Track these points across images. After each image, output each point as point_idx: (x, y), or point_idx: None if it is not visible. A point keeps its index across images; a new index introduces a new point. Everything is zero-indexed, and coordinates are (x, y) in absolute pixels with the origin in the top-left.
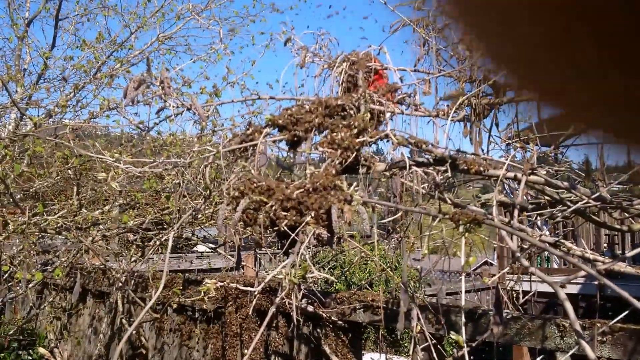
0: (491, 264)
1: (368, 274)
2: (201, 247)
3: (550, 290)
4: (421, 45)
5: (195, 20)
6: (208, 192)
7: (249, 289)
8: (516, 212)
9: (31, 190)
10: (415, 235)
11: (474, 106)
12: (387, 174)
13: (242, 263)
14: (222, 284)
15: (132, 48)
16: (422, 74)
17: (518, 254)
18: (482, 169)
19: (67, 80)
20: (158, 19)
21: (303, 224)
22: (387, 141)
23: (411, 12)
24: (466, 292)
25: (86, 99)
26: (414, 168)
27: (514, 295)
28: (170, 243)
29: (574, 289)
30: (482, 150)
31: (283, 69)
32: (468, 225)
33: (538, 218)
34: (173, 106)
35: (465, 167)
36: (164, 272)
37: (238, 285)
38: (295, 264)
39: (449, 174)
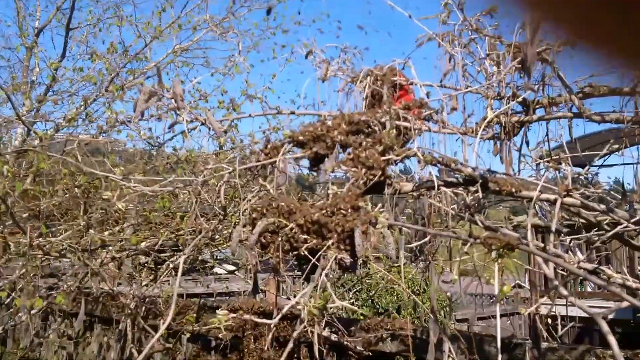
0: (522, 287)
1: (395, 297)
2: (220, 269)
3: (585, 314)
4: (447, 60)
5: (213, 32)
6: (224, 211)
7: (265, 321)
8: (552, 237)
9: (36, 209)
10: (444, 258)
11: (503, 124)
12: (415, 194)
13: (263, 287)
14: (234, 315)
15: (146, 60)
16: (449, 90)
17: (556, 282)
18: (514, 190)
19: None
20: (174, 30)
21: (325, 248)
22: (415, 159)
23: (436, 26)
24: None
25: (97, 113)
26: (443, 188)
27: (548, 320)
28: (181, 268)
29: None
30: (513, 170)
31: (304, 83)
32: (501, 250)
33: (572, 242)
34: (187, 120)
35: (497, 188)
36: (173, 298)
37: (252, 317)
38: (316, 292)
39: (480, 194)
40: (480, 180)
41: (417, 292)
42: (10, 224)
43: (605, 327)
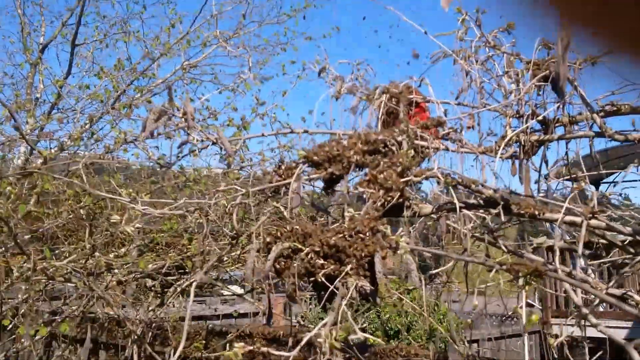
0: (532, 305)
1: (405, 319)
2: (226, 290)
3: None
4: (463, 77)
5: (223, 48)
6: (235, 234)
7: (283, 353)
8: (578, 262)
9: (39, 231)
10: (460, 280)
11: (523, 143)
12: (433, 216)
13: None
14: (250, 347)
15: (154, 77)
16: (466, 108)
17: (585, 311)
18: (537, 212)
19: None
20: (183, 46)
21: (343, 274)
22: (430, 180)
23: (453, 42)
24: (509, 336)
25: (103, 131)
26: (464, 211)
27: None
28: (192, 294)
29: (622, 333)
30: (532, 190)
31: (317, 100)
32: (528, 277)
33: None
34: (197, 140)
35: (519, 210)
36: (185, 326)
37: (270, 350)
38: (336, 322)
39: (502, 217)
40: (502, 202)
41: (429, 312)
42: (13, 246)
43: (637, 357)
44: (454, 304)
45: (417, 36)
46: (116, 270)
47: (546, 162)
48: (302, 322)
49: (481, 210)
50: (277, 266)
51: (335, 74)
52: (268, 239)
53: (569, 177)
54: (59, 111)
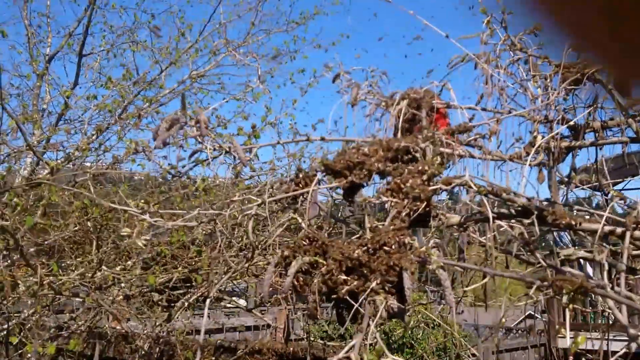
0: (535, 317)
1: (409, 332)
2: (229, 303)
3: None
4: (485, 82)
5: (232, 57)
6: (250, 246)
7: None
8: (623, 277)
9: (46, 243)
10: (477, 294)
11: (552, 149)
12: (458, 227)
13: (271, 323)
14: None
15: (162, 87)
16: (489, 114)
17: (633, 331)
18: (573, 222)
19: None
20: (191, 55)
21: (368, 291)
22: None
23: (475, 46)
24: (513, 349)
25: (110, 142)
26: (497, 221)
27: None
28: (206, 311)
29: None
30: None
31: (332, 108)
32: (572, 294)
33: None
34: (209, 149)
35: (554, 220)
36: (199, 342)
37: None
38: (365, 344)
39: (536, 227)
40: (536, 212)
41: (432, 325)
42: (19, 258)
43: None
44: (457, 315)
45: (432, 41)
46: (123, 285)
47: (574, 170)
48: (305, 336)
49: (512, 221)
50: (296, 282)
51: (351, 80)
52: (286, 252)
53: (592, 184)
54: (65, 122)
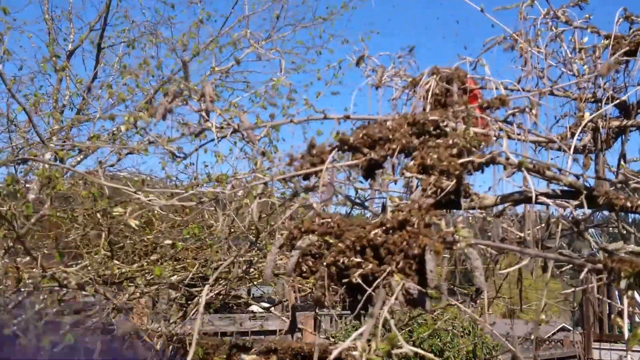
0: (569, 330)
1: (438, 339)
2: (256, 307)
3: None
4: (524, 63)
5: (255, 50)
6: (257, 233)
7: None
8: None
9: (54, 238)
10: (511, 296)
11: (600, 130)
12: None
13: (300, 326)
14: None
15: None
16: (528, 93)
17: None
18: (629, 203)
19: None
20: (212, 46)
21: (385, 274)
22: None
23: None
24: None
25: (126, 135)
26: (544, 199)
27: None
28: (203, 301)
29: None
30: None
31: (354, 91)
32: (633, 279)
33: None
34: (216, 126)
35: (607, 201)
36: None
37: None
38: (376, 332)
39: (585, 209)
40: (585, 192)
41: (462, 334)
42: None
43: None
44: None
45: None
46: (139, 282)
47: (624, 157)
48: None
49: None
50: (304, 267)
51: (376, 63)
52: (294, 232)
53: None
54: (83, 116)
